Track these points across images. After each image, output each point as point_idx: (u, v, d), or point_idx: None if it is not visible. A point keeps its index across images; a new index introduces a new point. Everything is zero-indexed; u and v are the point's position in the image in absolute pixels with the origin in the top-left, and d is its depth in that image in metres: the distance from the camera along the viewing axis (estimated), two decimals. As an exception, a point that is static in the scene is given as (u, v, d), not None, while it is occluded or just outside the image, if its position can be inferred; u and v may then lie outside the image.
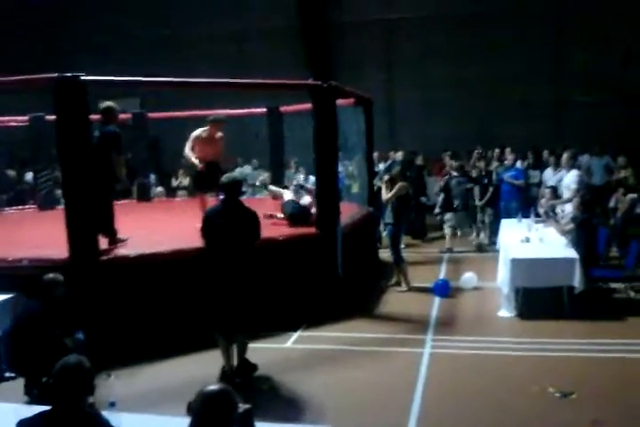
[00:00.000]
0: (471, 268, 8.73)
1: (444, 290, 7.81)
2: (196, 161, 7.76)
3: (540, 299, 6.93)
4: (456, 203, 10.63)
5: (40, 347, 4.77)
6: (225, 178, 5.32)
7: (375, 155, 11.05)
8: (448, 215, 10.68)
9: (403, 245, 9.30)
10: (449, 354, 5.88)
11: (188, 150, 7.89)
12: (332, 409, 4.64)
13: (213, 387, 2.31)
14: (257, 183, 12.99)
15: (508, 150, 11.64)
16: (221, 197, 5.52)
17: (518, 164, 11.16)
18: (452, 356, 5.84)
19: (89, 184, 6.06)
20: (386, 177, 8.57)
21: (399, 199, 8.15)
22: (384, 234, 11.38)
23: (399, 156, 11.99)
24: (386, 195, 8.23)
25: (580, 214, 7.57)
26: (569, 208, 8.23)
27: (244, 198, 9.05)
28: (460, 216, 10.78)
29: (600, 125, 13.42)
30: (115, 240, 6.56)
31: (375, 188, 10.69)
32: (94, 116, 6.51)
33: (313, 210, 7.82)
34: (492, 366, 5.53)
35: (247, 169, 13.80)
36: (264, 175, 12.81)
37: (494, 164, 11.65)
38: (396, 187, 8.11)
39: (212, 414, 2.24)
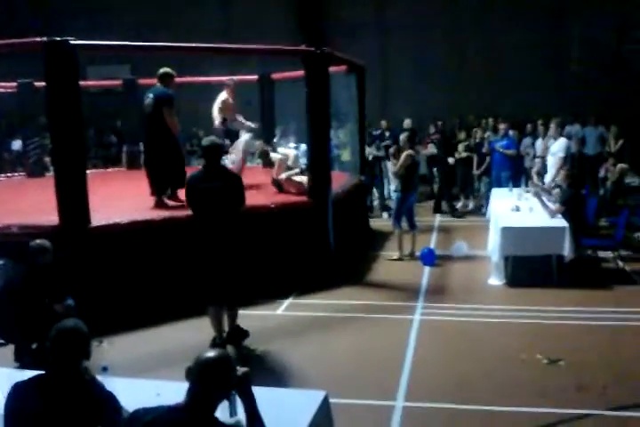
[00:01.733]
0: (462, 236, 8.78)
1: (430, 258, 7.85)
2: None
3: (529, 267, 7.01)
4: None
5: (29, 313, 4.77)
6: (205, 141, 5.23)
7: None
8: None
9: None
10: (439, 321, 5.94)
11: (216, 113, 8.41)
12: (324, 375, 4.69)
13: (212, 353, 2.32)
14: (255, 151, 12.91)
15: (499, 120, 11.62)
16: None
17: (510, 133, 11.14)
18: (442, 322, 5.90)
19: (78, 151, 6.01)
20: (392, 150, 8.50)
21: (406, 168, 8.07)
22: (375, 203, 11.48)
23: (407, 124, 11.85)
24: (393, 166, 8.19)
25: (567, 189, 7.55)
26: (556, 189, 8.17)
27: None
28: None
29: (596, 96, 13.34)
30: (176, 196, 7.00)
31: (370, 157, 10.68)
32: (85, 83, 6.47)
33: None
34: (481, 333, 5.61)
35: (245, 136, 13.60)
36: (259, 142, 12.69)
37: (487, 133, 11.63)
38: (402, 156, 8.03)
39: (212, 379, 2.26)
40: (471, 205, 11.53)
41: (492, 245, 7.50)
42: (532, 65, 14.30)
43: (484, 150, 11.14)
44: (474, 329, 5.72)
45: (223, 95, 8.62)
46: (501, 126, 11.01)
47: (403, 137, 8.37)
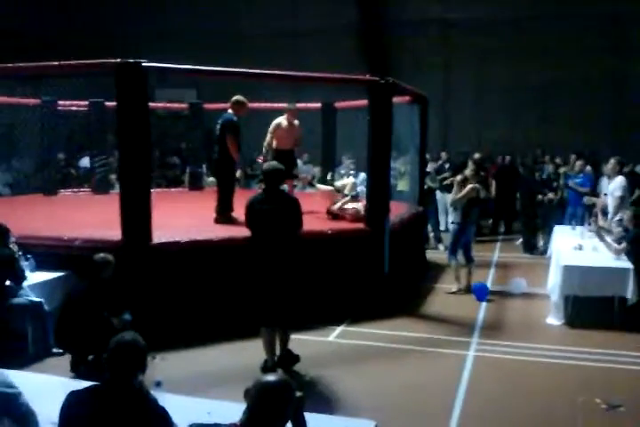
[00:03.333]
0: (521, 273, 8.58)
1: (482, 293, 7.70)
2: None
3: (590, 308, 6.73)
4: None
5: (87, 325, 4.87)
6: (266, 166, 5.35)
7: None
8: None
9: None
10: (494, 358, 5.77)
11: (269, 139, 8.59)
12: (374, 405, 4.61)
13: (274, 377, 2.30)
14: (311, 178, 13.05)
15: (573, 157, 11.39)
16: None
17: (588, 169, 10.80)
18: (497, 360, 5.73)
19: (144, 170, 6.16)
20: (459, 177, 8.42)
21: (468, 200, 7.98)
22: (431, 235, 11.34)
23: (476, 156, 11.74)
24: (454, 195, 8.11)
25: (634, 229, 7.29)
26: (617, 228, 7.92)
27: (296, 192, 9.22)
28: None
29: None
30: (228, 216, 7.42)
31: (425, 187, 10.61)
32: (153, 104, 6.66)
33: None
34: (537, 374, 5.42)
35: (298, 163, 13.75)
36: (314, 170, 12.83)
37: (563, 169, 11.42)
38: (467, 188, 7.94)
39: (272, 403, 2.23)
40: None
41: (552, 283, 7.28)
42: (594, 100, 14.06)
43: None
44: (530, 369, 5.54)
45: (278, 119, 8.72)
46: (578, 163, 10.78)
47: (470, 169, 8.26)
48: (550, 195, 10.92)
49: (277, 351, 5.31)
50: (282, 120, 8.64)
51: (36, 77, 8.38)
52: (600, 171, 11.31)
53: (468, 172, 8.23)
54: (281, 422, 2.30)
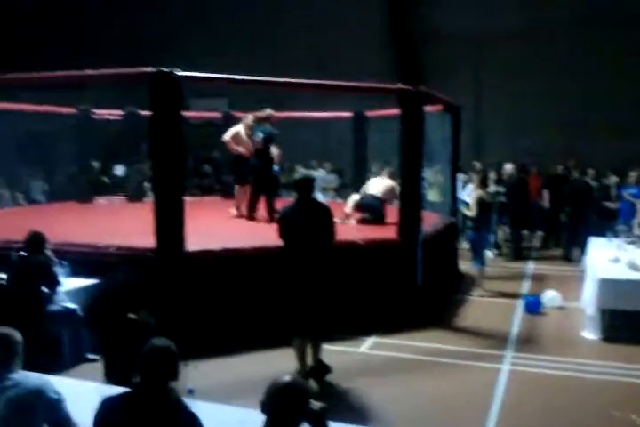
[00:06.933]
0: (554, 285, 8.44)
1: (534, 306, 7.60)
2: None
3: (627, 322, 6.59)
4: None
5: (120, 331, 4.88)
6: (298, 175, 5.42)
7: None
8: None
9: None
10: (528, 373, 5.67)
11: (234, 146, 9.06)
12: (404, 417, 4.55)
13: (284, 379, 2.30)
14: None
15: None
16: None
17: None
18: (532, 375, 5.62)
19: (178, 178, 6.20)
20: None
21: (478, 207, 8.34)
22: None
23: (509, 168, 11.52)
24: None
25: None
26: None
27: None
28: None
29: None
30: (273, 217, 7.95)
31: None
32: (187, 114, 6.74)
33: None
34: (572, 388, 5.31)
35: (320, 173, 13.70)
36: (334, 177, 13.22)
37: (612, 178, 11.22)
38: (473, 197, 8.47)
39: (284, 405, 2.23)
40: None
41: (588, 296, 7.14)
42: (630, 110, 13.81)
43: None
44: (565, 383, 5.42)
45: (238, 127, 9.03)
46: (632, 174, 10.62)
47: (475, 178, 8.86)
48: (610, 204, 10.79)
49: (309, 361, 5.28)
50: (240, 128, 8.94)
51: (71, 86, 8.52)
52: None
53: (474, 181, 8.89)
54: (295, 421, 2.28)
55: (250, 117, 8.97)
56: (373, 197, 8.66)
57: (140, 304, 5.05)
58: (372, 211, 8.65)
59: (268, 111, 8.58)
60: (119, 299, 5.01)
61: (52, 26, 15.88)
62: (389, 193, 8.63)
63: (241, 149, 8.73)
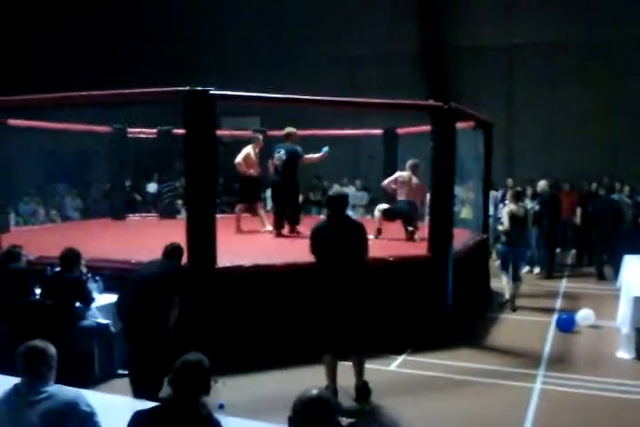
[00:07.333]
0: (589, 304, 8.31)
1: (567, 325, 7.50)
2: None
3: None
4: None
5: (150, 347, 4.93)
6: (332, 192, 5.39)
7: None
8: None
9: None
10: (561, 392, 5.57)
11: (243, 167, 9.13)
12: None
13: (312, 392, 2.31)
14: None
15: None
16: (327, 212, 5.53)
17: None
18: (564, 394, 5.52)
19: (210, 196, 6.29)
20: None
21: (509, 222, 8.50)
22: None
23: (542, 185, 11.33)
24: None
25: None
26: None
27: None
28: None
29: None
30: (295, 229, 8.62)
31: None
32: (219, 132, 6.83)
33: None
34: (606, 409, 5.20)
35: (350, 190, 13.72)
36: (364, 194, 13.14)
37: None
38: (505, 212, 8.60)
39: (310, 418, 2.23)
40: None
41: (623, 315, 7.01)
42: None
43: None
44: (599, 404, 5.31)
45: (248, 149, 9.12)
46: None
47: (509, 193, 9.01)
48: None
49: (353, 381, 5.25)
50: (250, 150, 9.05)
51: (106, 105, 8.72)
52: None
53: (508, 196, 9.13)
54: None
55: (259, 137, 9.27)
56: (402, 202, 8.51)
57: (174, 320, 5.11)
58: (401, 215, 8.57)
59: (288, 129, 8.71)
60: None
61: (81, 48, 16.27)
62: (415, 190, 8.46)
63: (252, 171, 8.95)
